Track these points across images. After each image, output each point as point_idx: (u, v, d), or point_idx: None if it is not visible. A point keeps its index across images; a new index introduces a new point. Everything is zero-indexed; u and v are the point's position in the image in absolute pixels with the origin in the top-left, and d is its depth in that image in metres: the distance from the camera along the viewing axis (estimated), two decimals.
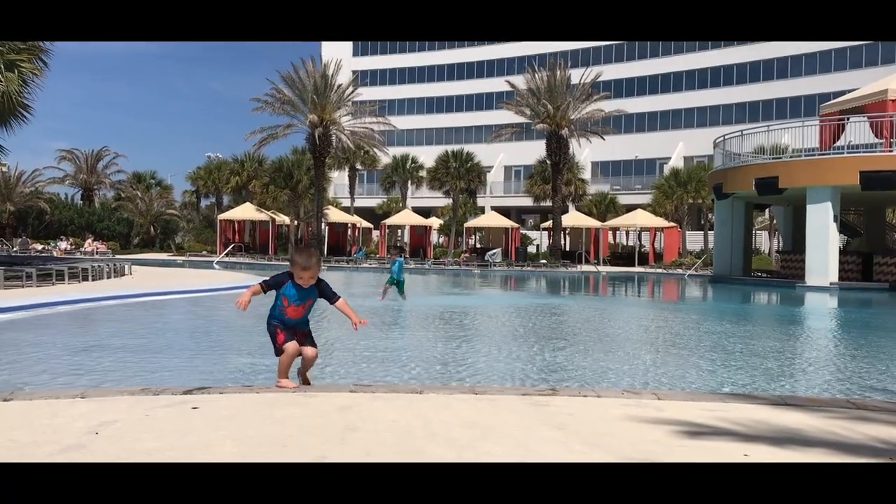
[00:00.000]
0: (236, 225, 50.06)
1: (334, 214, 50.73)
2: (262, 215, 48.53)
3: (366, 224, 55.48)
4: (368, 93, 65.59)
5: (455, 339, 10.78)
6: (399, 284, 16.33)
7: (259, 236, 50.41)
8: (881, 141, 26.30)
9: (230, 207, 53.96)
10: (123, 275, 22.92)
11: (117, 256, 38.03)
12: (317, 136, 42.72)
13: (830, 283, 24.39)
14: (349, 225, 52.63)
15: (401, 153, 59.49)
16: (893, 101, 26.87)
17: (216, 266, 35.62)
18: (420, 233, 51.29)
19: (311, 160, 45.57)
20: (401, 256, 17.16)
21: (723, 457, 3.80)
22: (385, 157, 55.22)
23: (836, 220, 24.91)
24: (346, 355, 8.55)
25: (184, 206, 64.61)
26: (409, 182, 58.68)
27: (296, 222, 49.96)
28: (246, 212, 49.02)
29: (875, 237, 31.39)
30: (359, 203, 61.89)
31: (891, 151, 25.27)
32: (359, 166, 59.51)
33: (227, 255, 44.03)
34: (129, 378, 7.02)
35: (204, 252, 47.52)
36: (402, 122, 69.52)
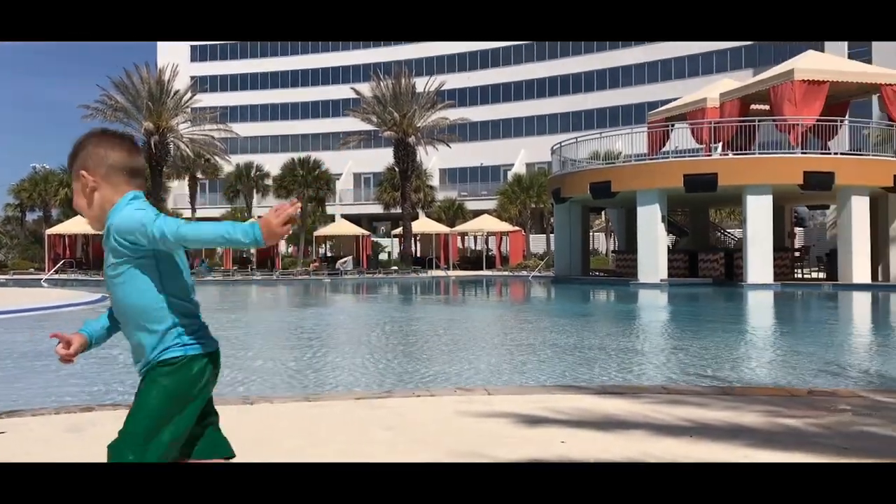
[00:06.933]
0: (67, 240, 46.86)
1: None
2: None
3: None
4: (208, 99, 63.41)
5: (300, 348, 10.59)
6: None
7: (93, 251, 47.45)
8: (702, 146, 28.31)
9: (60, 221, 50.57)
10: None
11: None
12: (153, 145, 40.89)
13: (660, 280, 25.84)
14: None
15: (245, 161, 57.95)
16: (711, 108, 29.05)
17: (44, 284, 33.25)
18: None
19: (147, 170, 43.56)
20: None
21: (543, 441, 3.93)
22: (228, 165, 53.56)
23: (663, 220, 26.42)
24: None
25: (7, 220, 59.96)
26: (255, 191, 57.25)
27: None
28: (77, 225, 45.93)
29: (700, 236, 33.58)
30: (201, 213, 59.63)
31: (709, 155, 27.24)
32: (200, 175, 57.46)
33: (56, 272, 41.22)
34: None
35: (31, 270, 44.26)
36: (245, 129, 67.70)
